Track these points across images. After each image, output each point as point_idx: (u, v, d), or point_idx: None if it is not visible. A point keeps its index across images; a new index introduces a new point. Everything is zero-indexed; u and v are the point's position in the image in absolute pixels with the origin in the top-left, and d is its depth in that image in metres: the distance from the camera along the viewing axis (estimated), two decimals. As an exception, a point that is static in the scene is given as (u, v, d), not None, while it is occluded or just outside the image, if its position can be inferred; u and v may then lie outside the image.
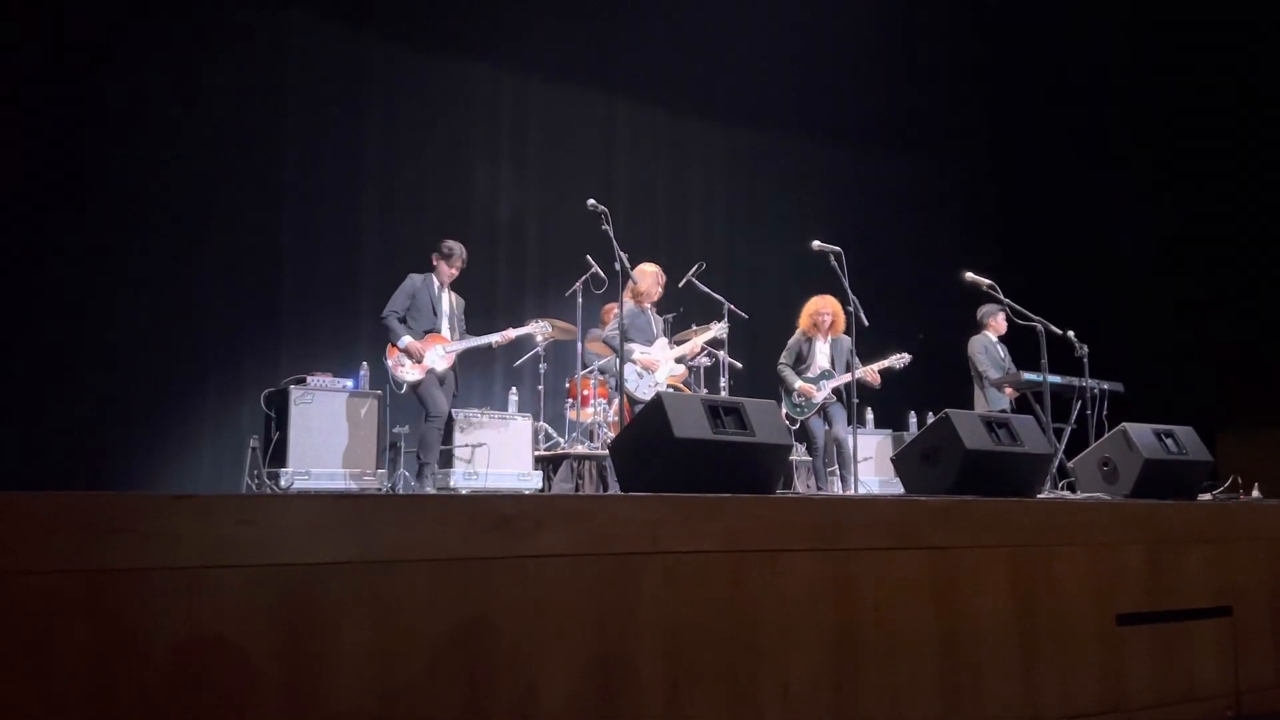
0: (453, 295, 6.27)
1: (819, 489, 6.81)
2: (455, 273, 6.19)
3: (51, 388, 6.27)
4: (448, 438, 6.89)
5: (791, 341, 6.85)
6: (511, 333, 6.37)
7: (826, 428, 6.79)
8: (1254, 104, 8.94)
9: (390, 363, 6.00)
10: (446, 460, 6.87)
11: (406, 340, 5.96)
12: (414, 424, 7.31)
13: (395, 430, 6.94)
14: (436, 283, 6.18)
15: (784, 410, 6.76)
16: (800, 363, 6.77)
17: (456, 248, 6.18)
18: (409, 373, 5.99)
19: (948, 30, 10.48)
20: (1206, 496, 4.99)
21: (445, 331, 6.16)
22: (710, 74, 9.47)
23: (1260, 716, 3.80)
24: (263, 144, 7.30)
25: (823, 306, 6.70)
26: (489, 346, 6.37)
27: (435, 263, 6.18)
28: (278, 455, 6.16)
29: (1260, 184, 8.86)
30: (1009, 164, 10.56)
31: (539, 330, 6.45)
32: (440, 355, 6.07)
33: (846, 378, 6.51)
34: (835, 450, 6.87)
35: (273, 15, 7.42)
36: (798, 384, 6.65)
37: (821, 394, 6.65)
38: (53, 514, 1.93)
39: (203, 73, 7.04)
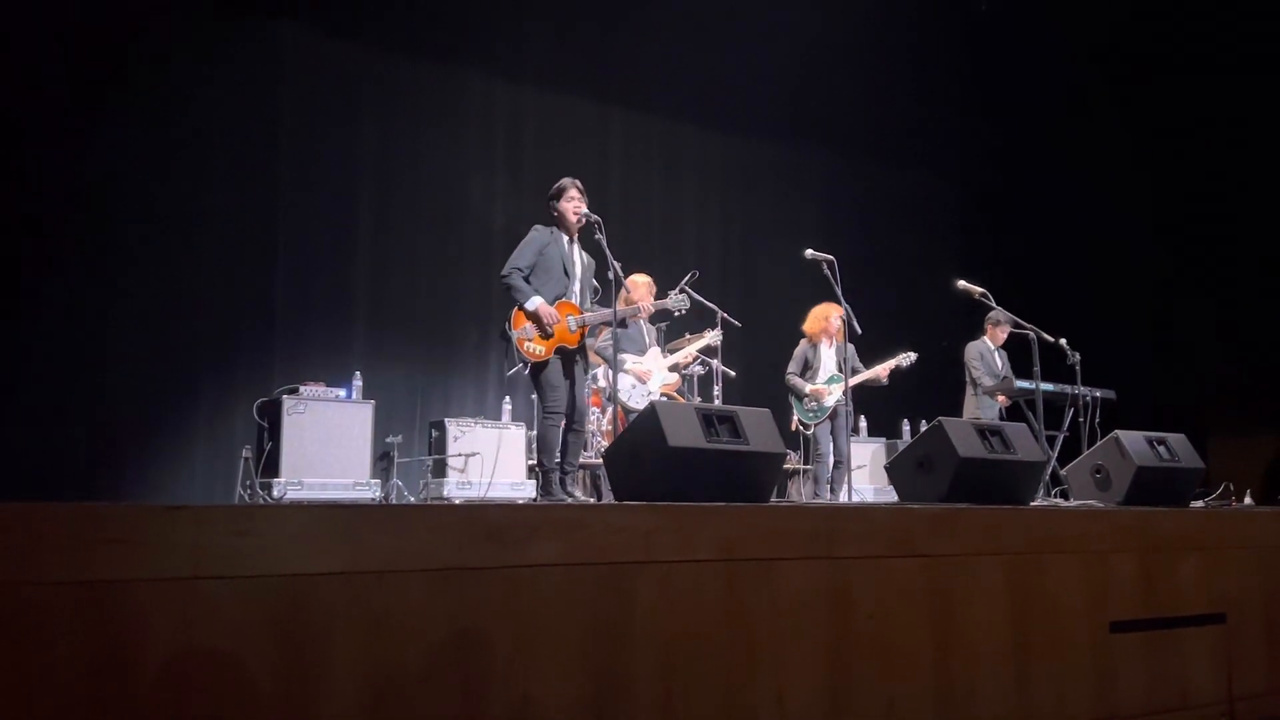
0: (583, 253, 5.21)
1: (816, 495, 6.84)
2: (579, 210, 5.02)
3: (43, 398, 6.25)
4: (441, 446, 6.88)
5: (797, 351, 6.96)
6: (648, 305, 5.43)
7: (832, 437, 6.87)
8: (1251, 117, 9.00)
9: (515, 334, 4.84)
10: (440, 469, 6.86)
11: (537, 302, 4.82)
12: (407, 434, 7.32)
13: (388, 440, 6.94)
14: (565, 237, 5.09)
15: (795, 417, 6.84)
16: (807, 370, 6.88)
17: (565, 180, 5.08)
18: (537, 347, 4.85)
19: (945, 40, 10.52)
20: (1199, 503, 5.01)
21: (577, 297, 5.05)
22: (705, 83, 9.49)
23: (1254, 723, 3.81)
24: (257, 152, 7.29)
25: (831, 312, 6.79)
26: (623, 322, 5.40)
27: (556, 211, 5.05)
28: (271, 465, 6.15)
29: (1255, 196, 8.91)
30: (1004, 175, 10.60)
31: (678, 305, 5.63)
32: (571, 329, 4.95)
33: (854, 379, 6.63)
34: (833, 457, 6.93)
35: (267, 24, 7.42)
36: (809, 388, 6.74)
37: (833, 397, 6.72)
38: (45, 525, 1.93)
39: (196, 81, 7.03)
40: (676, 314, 5.72)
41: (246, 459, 6.17)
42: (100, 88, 6.66)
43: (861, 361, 6.93)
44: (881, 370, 6.90)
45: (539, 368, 4.90)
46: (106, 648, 1.95)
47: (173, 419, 6.75)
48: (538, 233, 5.06)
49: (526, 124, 8.61)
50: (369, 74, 7.84)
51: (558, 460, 5.03)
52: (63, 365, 6.38)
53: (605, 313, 5.07)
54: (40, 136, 6.44)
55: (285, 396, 6.24)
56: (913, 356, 7.02)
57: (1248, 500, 6.72)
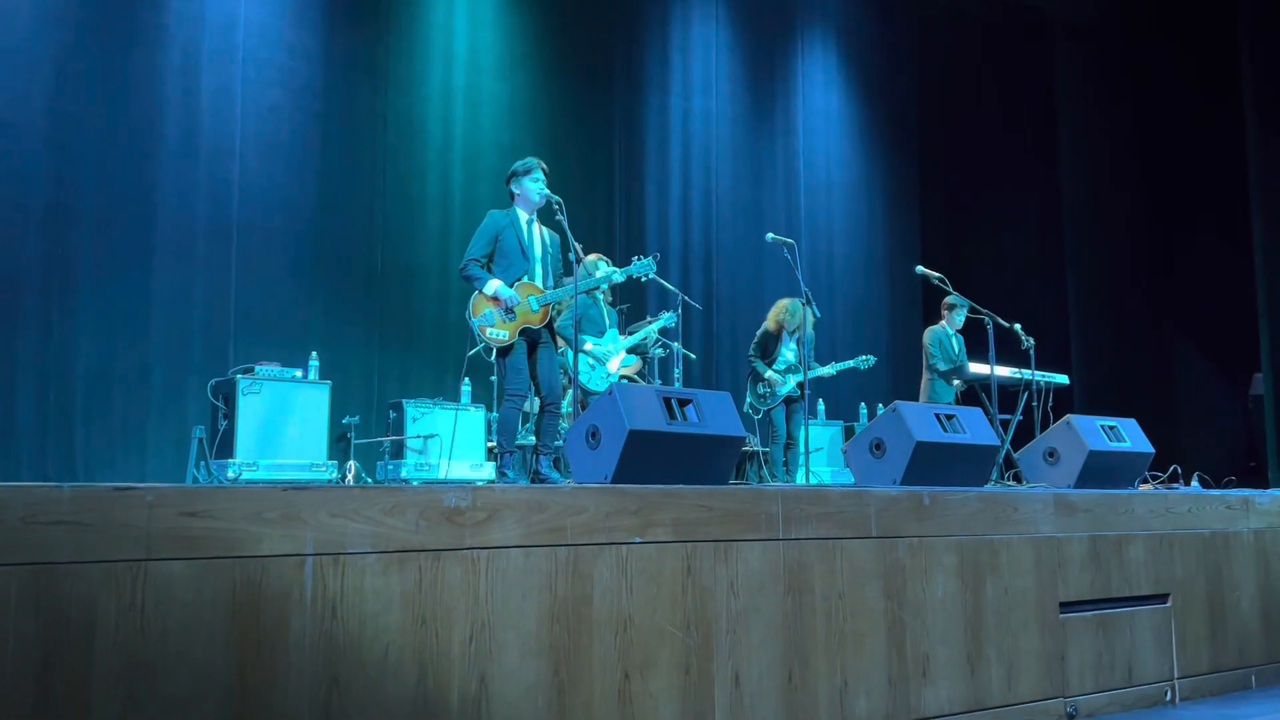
0: (544, 231, 5.10)
1: (774, 477, 6.89)
2: (542, 191, 4.93)
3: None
4: (399, 427, 6.84)
5: (759, 335, 7.01)
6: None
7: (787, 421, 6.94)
8: (1192, 105, 9.16)
9: (476, 322, 4.80)
10: (398, 451, 6.82)
11: (495, 285, 4.75)
12: (364, 414, 7.26)
13: (345, 421, 6.88)
14: (523, 216, 4.98)
15: (748, 400, 6.92)
16: (766, 356, 6.94)
17: (531, 159, 5.01)
18: (500, 331, 4.78)
19: (903, 31, 10.59)
20: (1148, 486, 5.11)
21: (539, 278, 4.94)
22: (664, 63, 9.47)
23: (1196, 701, 3.91)
24: (212, 129, 7.17)
25: (797, 309, 6.85)
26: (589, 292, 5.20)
27: (519, 188, 4.96)
28: (225, 446, 6.06)
29: (1212, 180, 9.09)
30: (961, 163, 10.69)
31: (642, 270, 5.36)
32: (534, 309, 4.86)
33: (811, 374, 6.73)
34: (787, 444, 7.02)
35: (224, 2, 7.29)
36: (768, 374, 6.83)
37: (786, 387, 6.80)
38: (-9, 506, 1.89)
39: (154, 62, 6.90)
40: (643, 279, 5.54)
41: (200, 439, 6.08)
42: (65, 73, 6.53)
43: (816, 357, 7.06)
44: (826, 370, 7.14)
45: (505, 350, 4.83)
46: (57, 630, 1.92)
47: (124, 398, 6.64)
48: (491, 218, 4.97)
49: (485, 105, 8.54)
50: (326, 57, 7.73)
51: (519, 443, 5.01)
52: (10, 345, 6.25)
53: (567, 290, 4.97)
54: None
55: (240, 376, 6.15)
56: (871, 360, 7.16)
57: (1194, 484, 6.87)
